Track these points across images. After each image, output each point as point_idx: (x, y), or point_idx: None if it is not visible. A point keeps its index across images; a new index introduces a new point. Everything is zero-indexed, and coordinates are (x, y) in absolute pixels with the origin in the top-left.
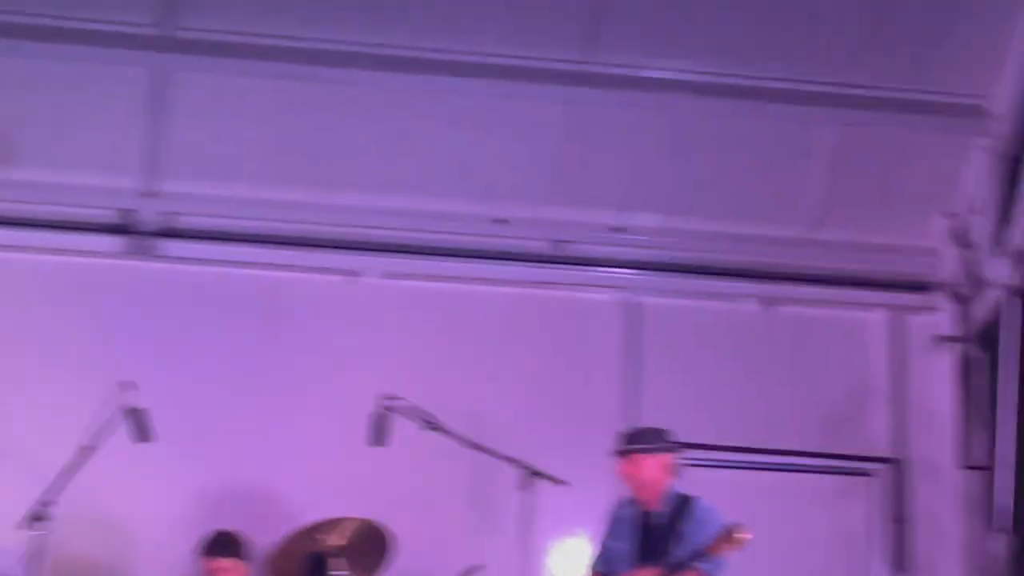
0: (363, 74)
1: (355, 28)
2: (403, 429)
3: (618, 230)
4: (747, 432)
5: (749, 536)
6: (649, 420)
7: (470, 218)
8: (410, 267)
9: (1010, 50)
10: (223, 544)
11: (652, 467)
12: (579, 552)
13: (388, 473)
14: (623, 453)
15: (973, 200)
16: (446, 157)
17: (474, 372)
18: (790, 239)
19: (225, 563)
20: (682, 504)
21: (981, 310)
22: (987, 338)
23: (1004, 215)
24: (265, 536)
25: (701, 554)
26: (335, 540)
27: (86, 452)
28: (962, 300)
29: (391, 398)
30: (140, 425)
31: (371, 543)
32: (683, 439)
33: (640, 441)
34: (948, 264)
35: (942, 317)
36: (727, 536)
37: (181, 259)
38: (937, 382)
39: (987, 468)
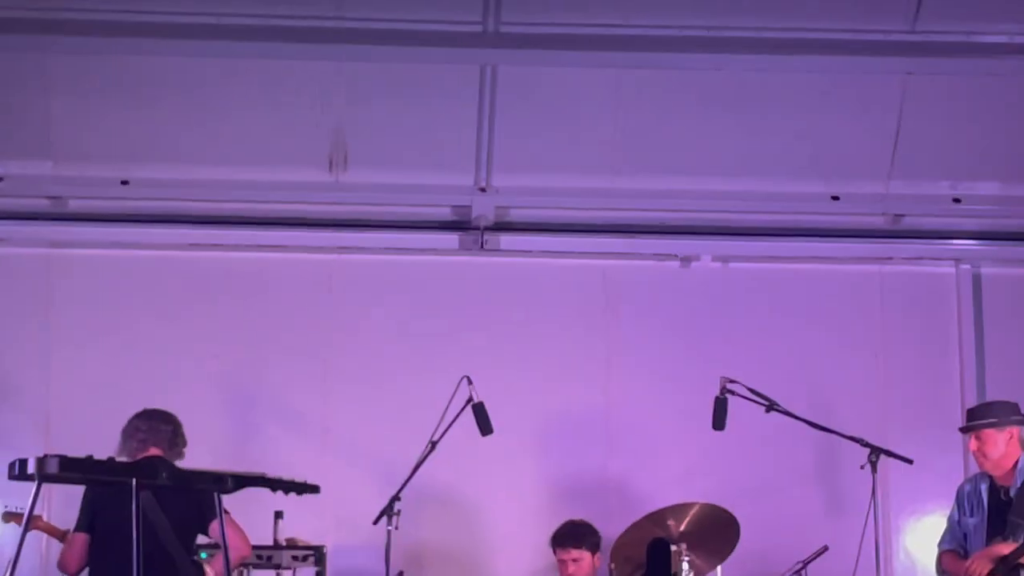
0: (694, 57)
1: (684, 11)
2: (744, 412)
3: (956, 200)
4: None
5: None
6: (995, 394)
7: (806, 197)
8: (744, 249)
9: None
10: (573, 535)
11: (1001, 441)
12: (929, 530)
13: (731, 457)
14: (971, 429)
15: None
16: (782, 138)
17: (814, 352)
18: None
19: (575, 553)
20: None
21: None
22: None
23: None
24: (612, 524)
25: None
26: (680, 526)
27: (434, 446)
28: None
29: (731, 381)
30: (483, 418)
31: (716, 528)
32: None
33: (988, 416)
34: None
35: None
36: None
37: (513, 252)
38: None
39: None
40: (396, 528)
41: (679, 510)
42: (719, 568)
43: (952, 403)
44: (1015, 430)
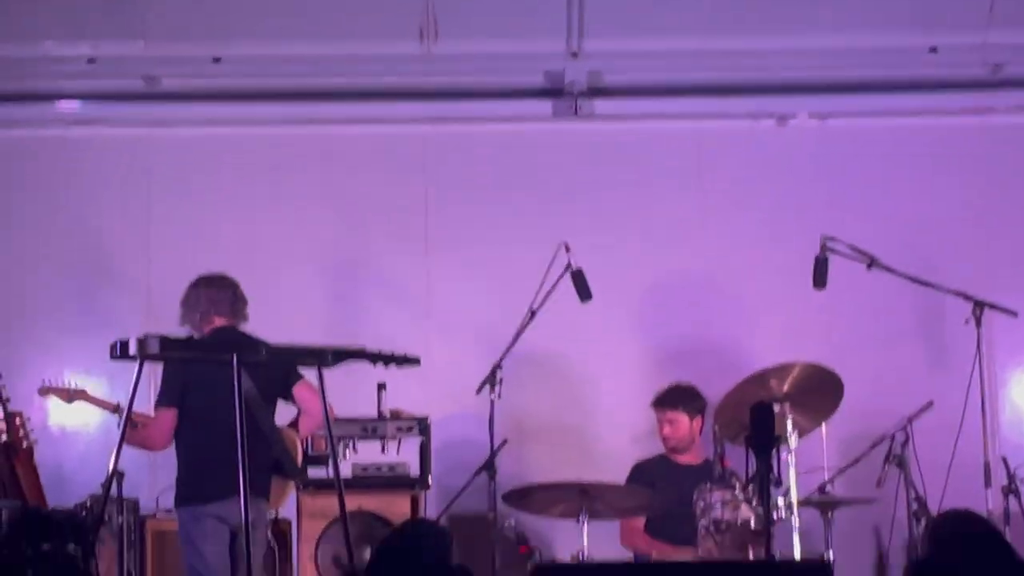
0: None
1: None
2: (846, 270)
3: None
4: None
5: None
6: None
7: (904, 49)
8: (841, 105)
9: None
10: (671, 396)
11: None
12: None
13: (833, 316)
14: None
15: None
16: None
17: (914, 207)
18: None
19: (671, 414)
20: None
21: None
22: None
23: None
24: (714, 387)
25: None
26: (783, 386)
27: (534, 315)
28: None
29: (831, 239)
30: (581, 284)
31: (819, 387)
32: None
33: None
34: None
35: None
36: None
37: (607, 117)
38: None
39: None
40: (499, 397)
41: (782, 370)
42: (823, 426)
43: None
44: None
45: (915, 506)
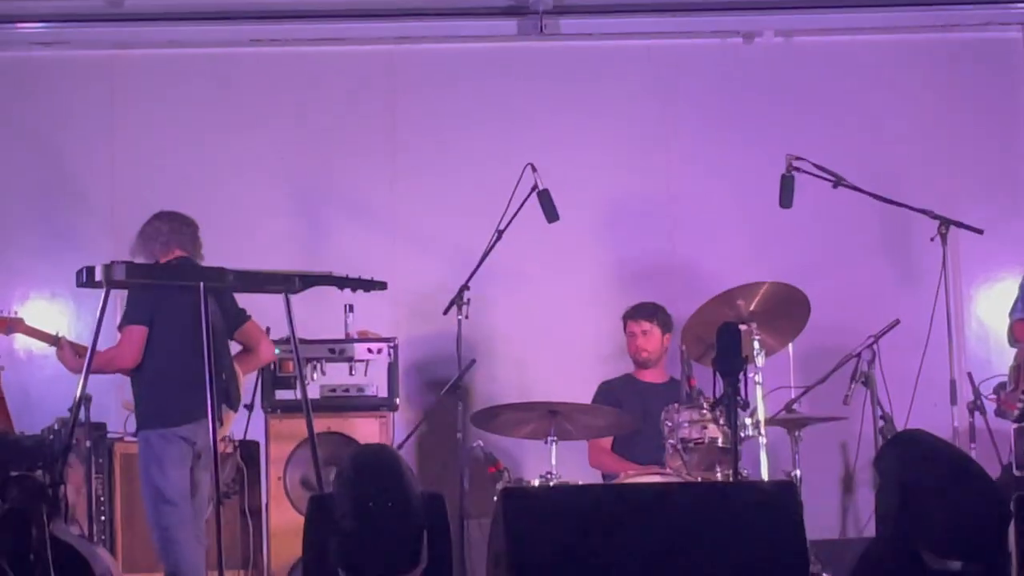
0: None
1: None
2: (811, 189)
3: None
4: None
5: None
6: None
7: None
8: (807, 22)
9: None
10: (645, 308)
11: None
12: (1000, 299)
13: (799, 235)
14: None
15: None
16: None
17: (880, 125)
18: None
19: (646, 325)
20: None
21: None
22: None
23: None
24: (680, 306)
25: None
26: (750, 305)
27: (501, 235)
28: None
29: (797, 158)
30: (548, 205)
31: (786, 305)
32: None
33: None
34: None
35: None
36: None
37: (573, 35)
38: None
39: None
40: (466, 317)
41: (748, 289)
42: (790, 345)
43: (1020, 170)
44: None
45: (882, 423)
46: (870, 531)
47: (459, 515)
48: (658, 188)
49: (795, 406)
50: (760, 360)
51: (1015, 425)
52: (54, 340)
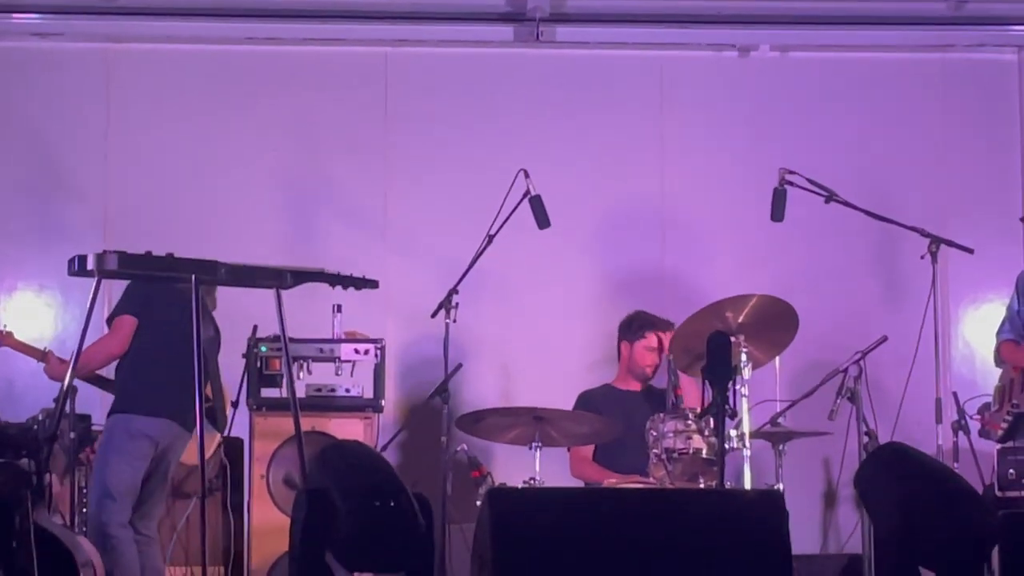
0: None
1: None
2: (803, 203)
3: None
4: None
5: None
6: None
7: None
8: (803, 38)
9: None
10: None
11: None
12: (988, 319)
13: (790, 249)
14: None
15: None
16: None
17: (874, 142)
18: None
19: (667, 339)
20: None
21: None
22: None
23: None
24: (670, 317)
25: None
26: (738, 317)
27: (491, 240)
28: None
29: (790, 172)
30: (540, 211)
31: (774, 319)
32: None
33: None
34: None
35: None
36: None
37: (569, 44)
38: None
39: None
40: (454, 321)
41: (737, 302)
42: (777, 359)
43: (1013, 192)
44: None
45: (866, 440)
46: (851, 547)
47: (442, 519)
48: (651, 198)
49: (780, 419)
50: (747, 372)
51: (998, 446)
52: (42, 355)
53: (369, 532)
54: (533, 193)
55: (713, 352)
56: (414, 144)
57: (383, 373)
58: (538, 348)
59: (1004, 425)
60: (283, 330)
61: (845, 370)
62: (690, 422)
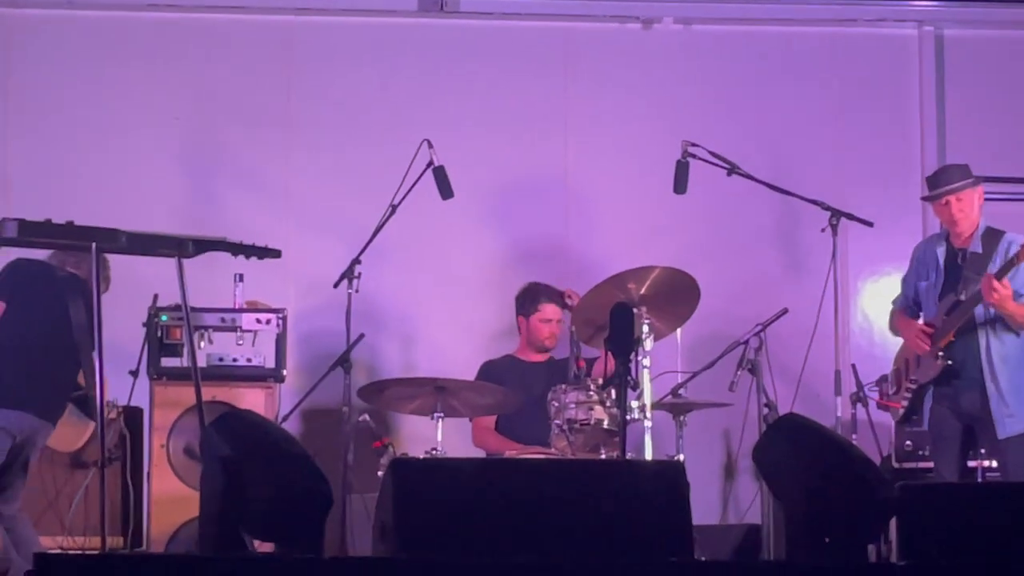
0: None
1: None
2: (705, 176)
3: None
4: None
5: None
6: (955, 157)
7: None
8: (706, 11)
9: None
10: (560, 296)
11: (976, 201)
12: (886, 292)
13: (692, 221)
14: (953, 190)
15: None
16: None
17: (776, 115)
18: None
19: (560, 313)
20: (992, 238)
21: None
22: None
23: None
24: (572, 288)
25: (1008, 266)
26: (641, 289)
27: (394, 210)
28: None
29: (692, 144)
30: (443, 181)
31: (676, 291)
32: (989, 174)
33: (966, 176)
34: None
35: None
36: None
37: (473, 14)
38: None
39: None
40: (357, 291)
41: (639, 273)
42: (679, 331)
43: (912, 167)
44: (977, 191)
45: (766, 411)
46: (750, 517)
47: (342, 489)
48: (554, 169)
49: (681, 391)
50: (648, 344)
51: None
52: None
53: (282, 501)
54: (436, 163)
55: (615, 323)
56: (317, 114)
57: (285, 343)
58: (441, 318)
59: (904, 404)
60: (184, 299)
61: (746, 342)
62: (592, 393)
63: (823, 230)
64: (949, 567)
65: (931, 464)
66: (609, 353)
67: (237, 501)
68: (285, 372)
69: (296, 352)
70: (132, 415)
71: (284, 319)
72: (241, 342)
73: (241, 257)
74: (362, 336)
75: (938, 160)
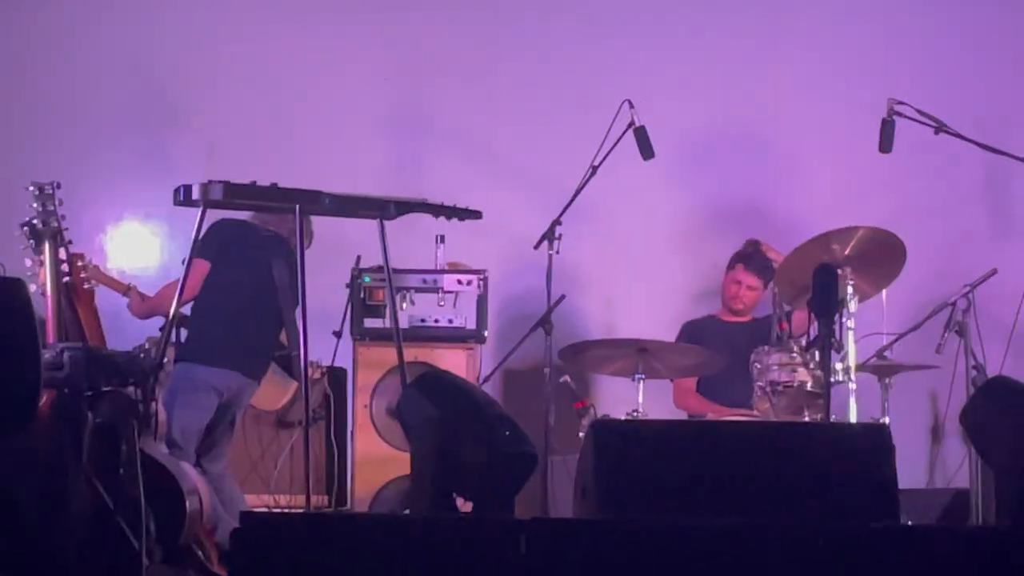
0: None
1: None
2: (913, 134)
3: None
4: None
5: None
6: None
7: None
8: None
9: None
10: (761, 263)
11: None
12: None
13: (898, 180)
14: None
15: None
16: None
17: (984, 72)
18: None
19: (754, 281)
20: None
21: None
22: None
23: None
24: (775, 247)
25: None
26: (845, 250)
27: (595, 171)
28: None
29: (899, 102)
30: (644, 142)
31: (882, 252)
32: None
33: None
34: None
35: None
36: None
37: None
38: None
39: None
40: (557, 252)
41: (845, 234)
42: (884, 292)
43: None
44: None
45: (974, 374)
46: (958, 481)
47: (544, 450)
48: (758, 128)
49: (887, 353)
50: (853, 306)
51: None
52: (125, 289)
53: (495, 463)
54: (638, 124)
55: (819, 284)
56: (520, 73)
57: (486, 304)
58: (641, 279)
59: None
60: (386, 261)
61: (953, 303)
62: (795, 355)
63: None
64: None
65: None
66: (812, 315)
67: (451, 462)
68: (486, 333)
69: (497, 313)
70: (336, 375)
71: (485, 280)
72: (443, 303)
73: (442, 218)
74: (563, 297)
75: None
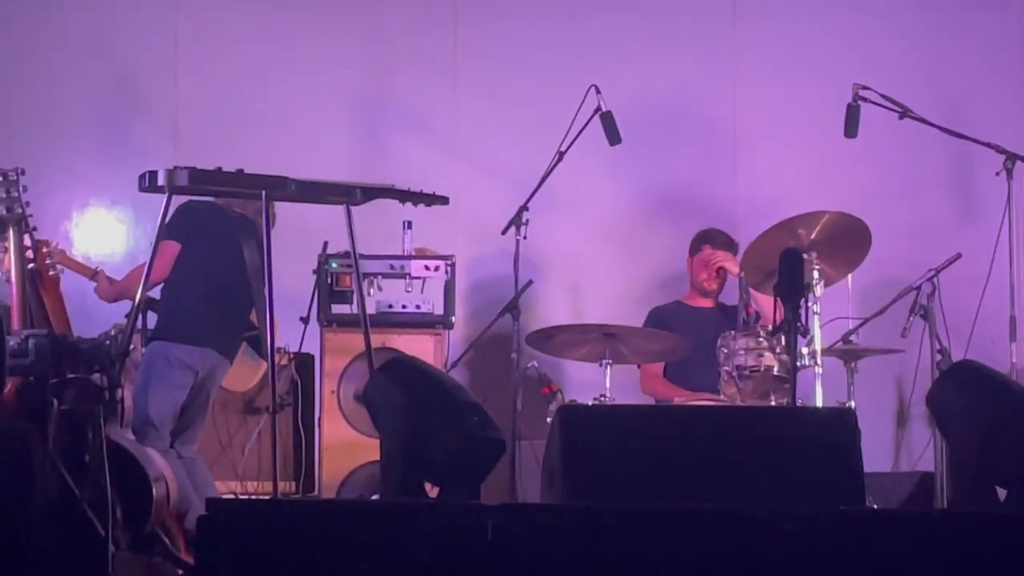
0: None
1: None
2: (876, 119)
3: None
4: None
5: None
6: None
7: None
8: None
9: None
10: (727, 240)
11: None
12: None
13: (862, 165)
14: None
15: None
16: None
17: (949, 57)
18: None
19: (732, 261)
20: None
21: None
22: None
23: None
24: (741, 233)
25: None
26: (811, 234)
27: (562, 156)
28: None
29: (863, 87)
30: (611, 127)
31: (847, 236)
32: None
33: None
34: None
35: None
36: None
37: None
38: None
39: None
40: (525, 238)
41: (810, 218)
42: (849, 276)
43: None
44: None
45: (939, 358)
46: (923, 465)
47: (511, 435)
48: (722, 113)
49: (852, 337)
50: (819, 290)
51: None
52: (92, 274)
53: (463, 449)
54: (604, 109)
55: (785, 269)
56: (485, 57)
57: (453, 290)
58: (609, 265)
59: None
60: (353, 246)
61: (918, 287)
62: (761, 339)
63: (997, 174)
64: None
65: None
66: (778, 299)
67: (419, 448)
68: (454, 319)
69: (464, 299)
70: (303, 361)
71: (452, 266)
72: (410, 289)
73: (409, 204)
74: (530, 283)
75: None
